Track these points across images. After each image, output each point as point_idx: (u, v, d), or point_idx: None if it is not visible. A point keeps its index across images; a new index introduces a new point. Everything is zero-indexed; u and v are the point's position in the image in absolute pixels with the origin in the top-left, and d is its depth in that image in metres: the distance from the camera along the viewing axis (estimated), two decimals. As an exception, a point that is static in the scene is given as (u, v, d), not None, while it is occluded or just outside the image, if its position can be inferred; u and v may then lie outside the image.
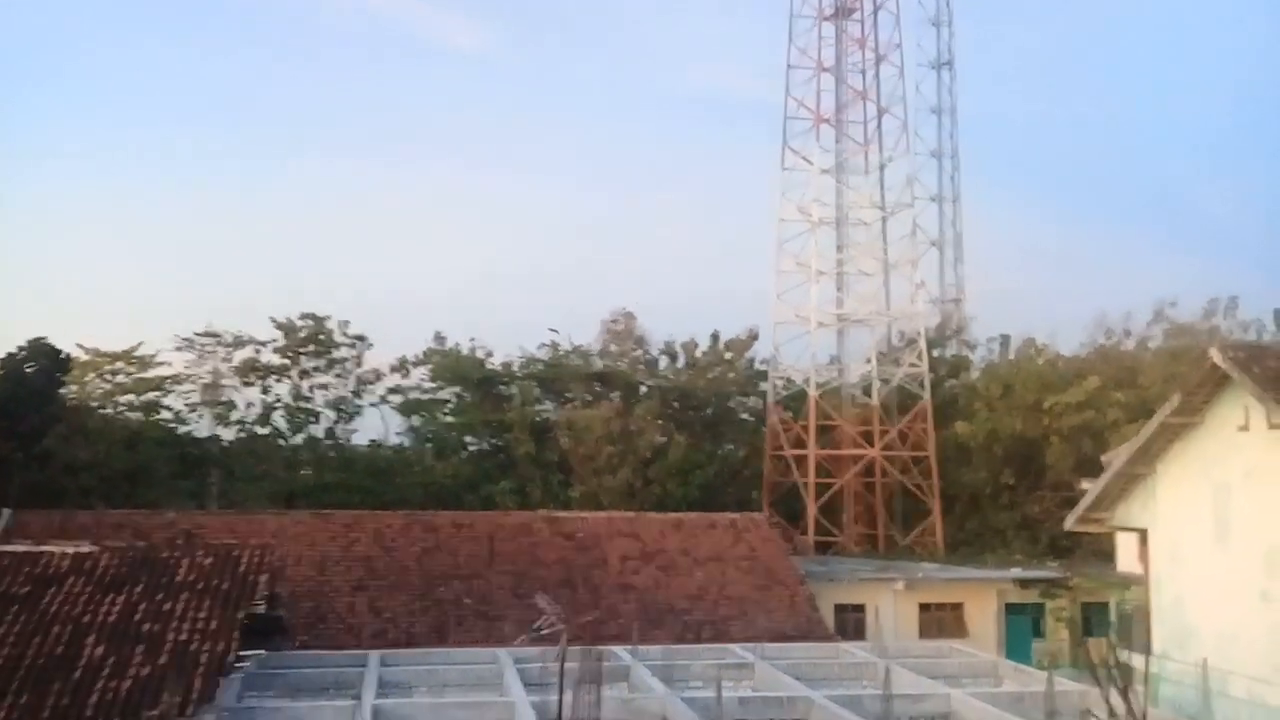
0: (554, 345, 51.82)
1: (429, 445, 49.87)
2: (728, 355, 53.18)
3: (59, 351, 40.73)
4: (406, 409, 50.18)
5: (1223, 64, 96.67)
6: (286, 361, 48.81)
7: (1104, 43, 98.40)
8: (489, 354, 51.04)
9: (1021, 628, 34.79)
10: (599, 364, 51.70)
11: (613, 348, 53.41)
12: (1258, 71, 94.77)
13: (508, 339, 53.11)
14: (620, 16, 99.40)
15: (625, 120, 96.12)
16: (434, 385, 50.79)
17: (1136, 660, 21.12)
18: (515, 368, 50.83)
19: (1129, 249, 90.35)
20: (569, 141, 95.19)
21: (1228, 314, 49.18)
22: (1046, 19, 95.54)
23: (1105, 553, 34.21)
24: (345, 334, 49.41)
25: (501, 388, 49.84)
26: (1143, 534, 22.74)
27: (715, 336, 53.15)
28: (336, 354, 49.43)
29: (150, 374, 47.71)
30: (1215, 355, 19.87)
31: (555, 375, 50.58)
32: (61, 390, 42.51)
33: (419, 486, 44.94)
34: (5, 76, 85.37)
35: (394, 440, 50.43)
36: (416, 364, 50.56)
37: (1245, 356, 19.71)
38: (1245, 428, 19.58)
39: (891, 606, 33.57)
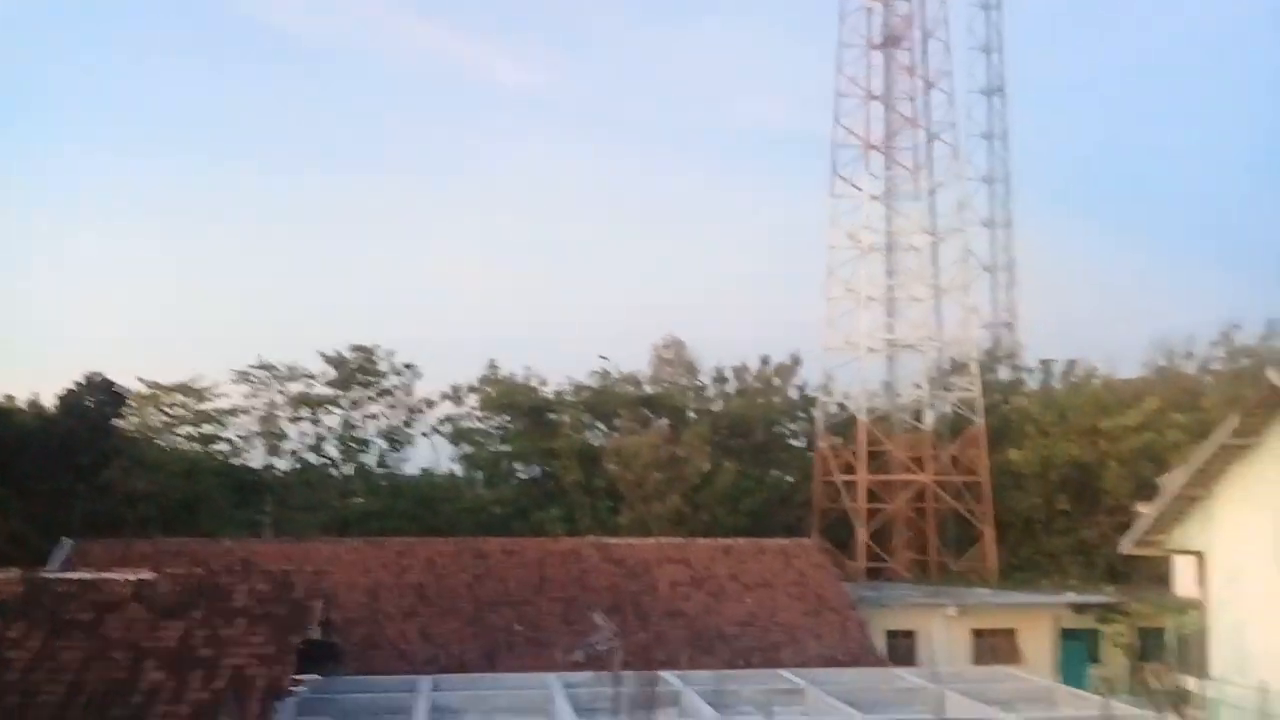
0: (604, 373, 52.07)
1: (479, 473, 50.23)
2: (775, 381, 53.10)
3: (115, 385, 41.76)
4: (457, 437, 50.62)
5: None
6: (337, 392, 49.45)
7: (1160, 65, 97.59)
8: (542, 382, 51.41)
9: (1077, 653, 34.19)
10: (648, 390, 51.83)
11: (662, 374, 53.54)
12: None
13: (561, 368, 53.36)
14: (666, 50, 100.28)
15: (673, 151, 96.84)
16: (485, 414, 51.18)
17: (1195, 685, 20.76)
18: (566, 395, 51.09)
19: (1187, 273, 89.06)
20: (618, 173, 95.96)
21: (1287, 335, 48.21)
22: (1101, 43, 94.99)
23: (1162, 577, 33.61)
24: (394, 364, 50.01)
25: (552, 415, 50.10)
26: (1200, 557, 22.38)
27: (765, 360, 53.12)
28: (386, 383, 50.02)
29: (207, 406, 48.65)
30: (1274, 376, 19.59)
31: (604, 401, 50.76)
32: (120, 423, 43.46)
33: (468, 514, 45.23)
34: (45, 113, 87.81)
35: (445, 468, 50.93)
36: (469, 391, 51.03)
37: (1304, 376, 19.40)
38: (1304, 448, 19.27)
39: (944, 632, 33.16)
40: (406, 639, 28.34)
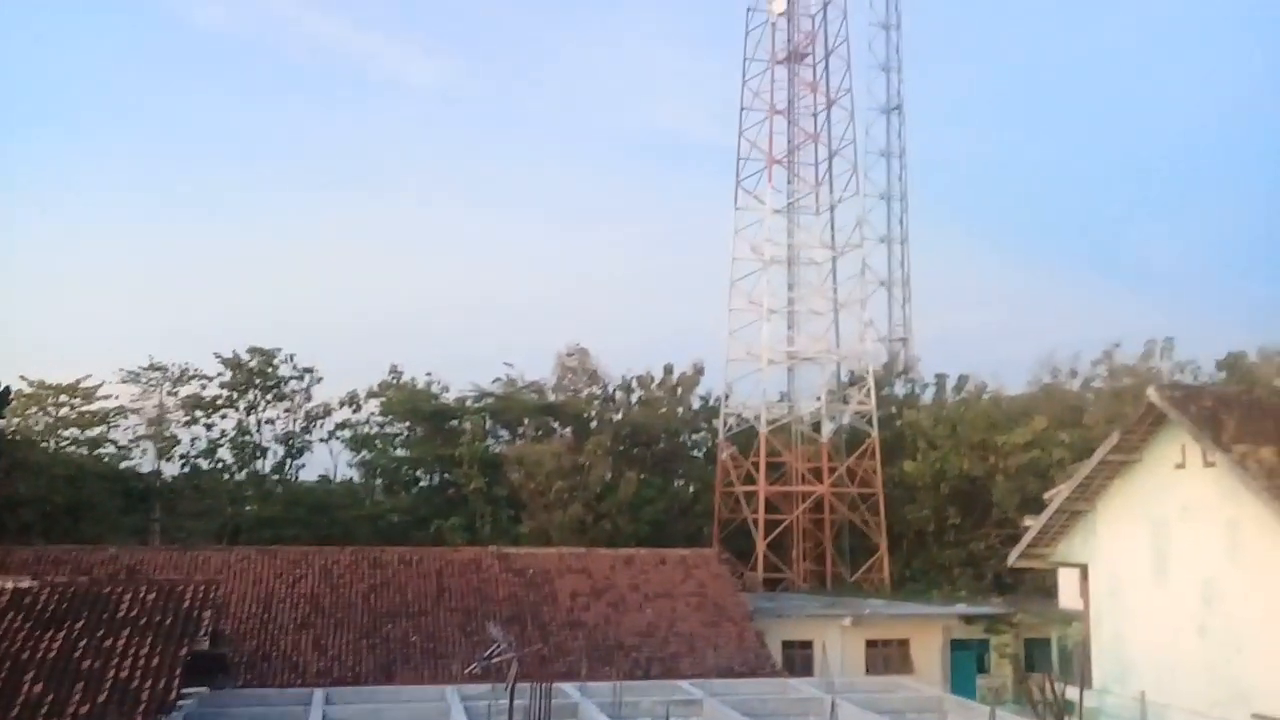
0: (508, 380, 51.82)
1: (378, 480, 49.47)
2: (678, 391, 53.43)
3: (-3, 384, 40.08)
4: (356, 443, 49.78)
5: (1164, 110, 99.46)
6: (233, 395, 48.23)
7: (1050, 88, 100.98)
8: (445, 388, 50.92)
9: (966, 663, 35.09)
10: (551, 398, 51.70)
11: (566, 382, 53.48)
12: (1199, 117, 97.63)
13: (466, 374, 53.00)
14: (575, 56, 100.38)
15: (583, 157, 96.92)
16: (385, 419, 50.45)
17: (1077, 694, 21.45)
18: (469, 402, 50.65)
19: (1073, 290, 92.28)
20: (526, 176, 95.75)
21: (1165, 355, 50.33)
22: (995, 66, 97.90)
23: (1048, 589, 34.59)
24: (294, 367, 48.99)
25: (454, 422, 49.61)
26: (1083, 569, 23.18)
27: (668, 370, 53.41)
28: (285, 388, 48.95)
29: (94, 407, 46.98)
30: (1153, 395, 20.41)
31: (507, 409, 50.47)
32: (0, 423, 41.74)
33: (367, 522, 44.53)
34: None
35: (343, 475, 50.04)
36: (369, 397, 50.24)
37: (1181, 396, 20.28)
38: (1181, 465, 20.13)
39: (838, 642, 33.74)
40: (299, 650, 27.78)
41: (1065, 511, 22.88)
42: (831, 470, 47.46)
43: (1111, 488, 21.98)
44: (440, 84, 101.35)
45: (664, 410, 52.76)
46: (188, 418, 47.89)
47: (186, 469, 47.48)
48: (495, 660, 17.75)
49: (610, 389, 53.64)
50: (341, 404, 50.08)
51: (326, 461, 49.99)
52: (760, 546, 45.45)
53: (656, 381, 53.47)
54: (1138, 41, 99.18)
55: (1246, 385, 36.95)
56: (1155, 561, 20.78)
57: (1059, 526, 23.24)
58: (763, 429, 47.09)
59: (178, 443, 47.73)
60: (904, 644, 34.88)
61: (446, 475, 48.64)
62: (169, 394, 47.82)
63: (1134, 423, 20.95)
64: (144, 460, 47.52)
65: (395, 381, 50.75)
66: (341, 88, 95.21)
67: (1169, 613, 20.32)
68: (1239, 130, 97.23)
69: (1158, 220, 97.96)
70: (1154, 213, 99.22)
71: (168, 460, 47.57)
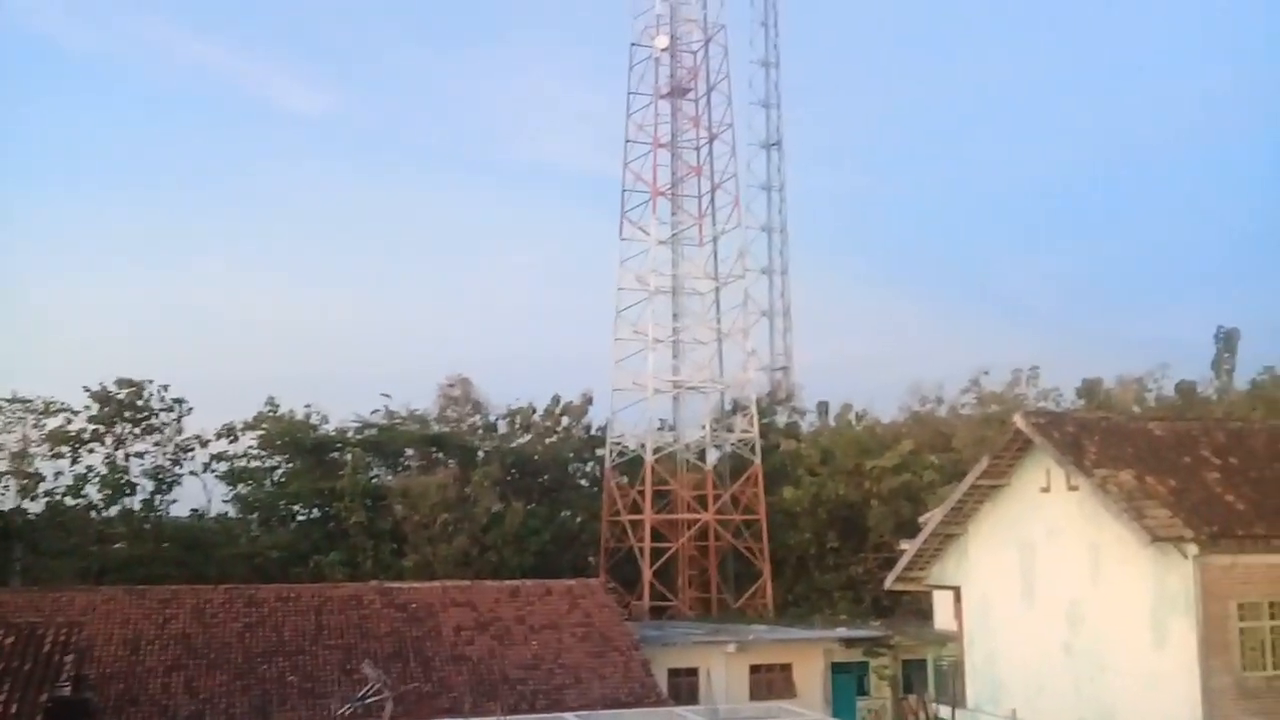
0: (388, 411, 50.98)
1: (255, 515, 48.05)
2: (565, 420, 53.38)
3: None
4: (231, 477, 48.28)
5: (1032, 150, 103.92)
6: (100, 428, 46.33)
7: (924, 127, 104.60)
8: (324, 419, 49.81)
9: (847, 686, 35.67)
10: (436, 429, 51.07)
11: (449, 413, 52.91)
12: (1065, 158, 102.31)
13: (347, 405, 51.95)
14: (466, 89, 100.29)
15: (469, 187, 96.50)
16: (262, 452, 49.06)
17: (951, 714, 22.05)
18: (350, 433, 49.64)
19: (946, 319, 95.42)
20: (411, 206, 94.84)
21: (1030, 383, 52.37)
22: (871, 104, 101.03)
23: (924, 611, 35.56)
24: (164, 399, 47.31)
25: (334, 454, 48.55)
26: (957, 591, 23.90)
27: (556, 400, 53.32)
28: (155, 420, 47.20)
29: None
30: (1019, 421, 21.22)
31: (389, 440, 49.65)
32: None
33: (243, 559, 43.20)
34: None
35: (218, 510, 48.44)
36: (246, 429, 48.77)
37: (1046, 423, 21.14)
38: (1047, 489, 20.95)
39: (723, 669, 33.96)
40: (170, 694, 26.77)
41: (939, 535, 23.59)
42: (716, 498, 47.92)
43: (982, 511, 22.75)
44: (325, 113, 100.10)
45: (551, 440, 52.61)
46: (52, 452, 45.83)
47: (50, 506, 45.39)
48: (371, 700, 17.39)
49: (495, 419, 53.31)
50: (218, 436, 48.57)
51: (200, 497, 48.43)
52: (646, 575, 45.57)
53: (542, 411, 53.35)
54: (1010, 83, 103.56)
55: (1105, 411, 38.69)
56: (1024, 583, 21.55)
57: (933, 550, 23.94)
58: (648, 458, 47.33)
59: (42, 479, 45.60)
60: (786, 669, 35.27)
61: (326, 509, 47.51)
62: (33, 427, 45.75)
63: (1002, 448, 21.74)
64: (4, 498, 45.32)
65: (272, 413, 49.43)
66: (222, 115, 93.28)
67: (1037, 633, 21.07)
68: (1102, 171, 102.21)
69: (1024, 255, 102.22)
70: (1021, 248, 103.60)
71: (31, 498, 45.42)
